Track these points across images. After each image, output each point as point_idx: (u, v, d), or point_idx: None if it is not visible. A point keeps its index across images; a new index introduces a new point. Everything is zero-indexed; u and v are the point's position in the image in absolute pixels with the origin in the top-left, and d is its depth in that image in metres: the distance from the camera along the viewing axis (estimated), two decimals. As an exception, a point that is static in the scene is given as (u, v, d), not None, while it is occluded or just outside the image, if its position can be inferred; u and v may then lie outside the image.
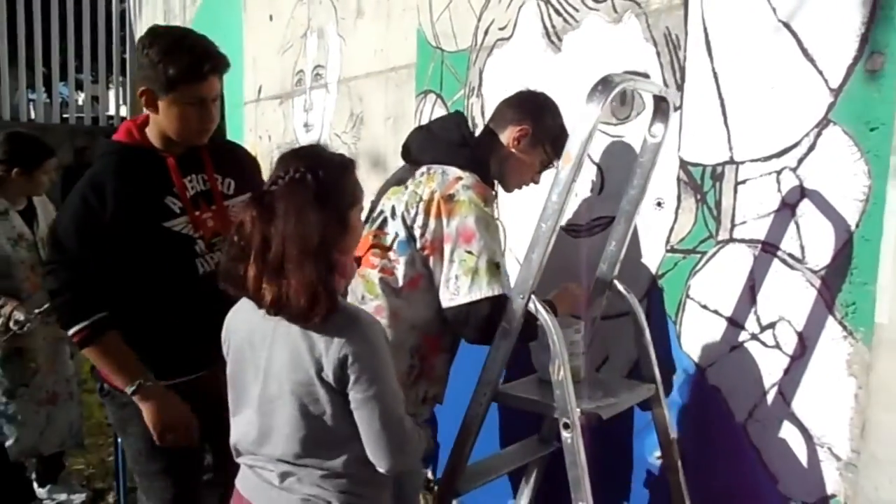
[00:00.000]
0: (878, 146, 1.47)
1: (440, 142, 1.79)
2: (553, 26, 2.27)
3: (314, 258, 1.21)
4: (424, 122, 2.97)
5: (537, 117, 1.82)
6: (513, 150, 1.82)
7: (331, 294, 1.23)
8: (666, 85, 1.87)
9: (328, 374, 1.23)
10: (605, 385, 1.63)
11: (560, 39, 2.25)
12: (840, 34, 1.52)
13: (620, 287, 1.64)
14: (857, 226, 1.51)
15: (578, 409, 1.35)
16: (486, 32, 2.59)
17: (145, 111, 1.79)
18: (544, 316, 1.37)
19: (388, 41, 3.24)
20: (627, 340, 1.86)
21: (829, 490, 1.60)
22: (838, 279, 1.55)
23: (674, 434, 1.62)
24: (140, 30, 10.27)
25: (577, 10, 2.18)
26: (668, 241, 1.90)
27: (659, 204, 1.91)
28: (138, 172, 1.75)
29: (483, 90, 2.63)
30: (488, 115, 2.56)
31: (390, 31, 3.21)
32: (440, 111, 2.87)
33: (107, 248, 1.69)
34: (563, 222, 2.18)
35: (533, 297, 1.38)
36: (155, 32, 1.73)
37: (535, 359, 1.86)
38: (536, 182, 1.90)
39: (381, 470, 1.29)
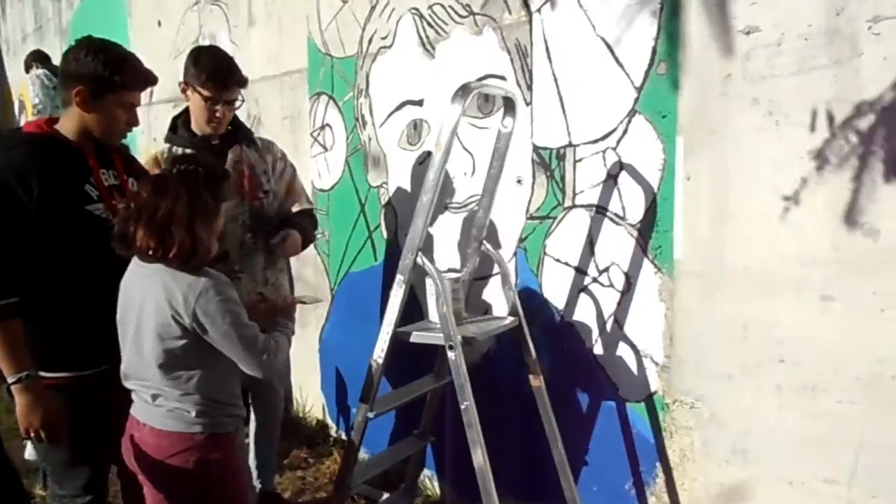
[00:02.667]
0: (668, 129, 1.99)
1: None
2: (427, 37, 2.69)
3: (194, 225, 1.65)
4: (319, 121, 3.33)
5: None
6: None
7: (201, 256, 1.67)
8: (519, 85, 2.34)
9: (184, 317, 1.63)
10: (480, 321, 2.06)
11: (433, 48, 2.67)
12: (639, 46, 2.03)
13: (488, 246, 2.07)
14: (658, 189, 2.03)
15: (459, 336, 1.78)
16: (370, 41, 2.98)
17: (66, 109, 1.96)
18: (430, 267, 1.78)
19: (280, 48, 3.55)
20: (500, 294, 2.31)
21: (652, 388, 2.12)
22: (649, 229, 2.06)
23: (534, 355, 2.07)
24: (5, 31, 9.83)
25: (446, 23, 2.61)
26: (527, 211, 2.38)
27: (519, 181, 2.38)
28: (57, 160, 1.91)
29: (370, 92, 3.01)
30: (377, 114, 2.97)
31: (282, 38, 3.53)
32: (333, 111, 3.23)
33: (29, 233, 1.80)
34: (447, 201, 2.63)
35: (419, 253, 1.78)
36: (97, 44, 1.91)
37: (425, 310, 2.28)
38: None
39: (259, 377, 1.74)
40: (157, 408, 1.71)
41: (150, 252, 1.64)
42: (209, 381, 1.72)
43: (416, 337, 1.87)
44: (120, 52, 1.94)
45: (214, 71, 2.33)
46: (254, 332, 1.71)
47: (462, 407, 1.73)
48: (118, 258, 1.75)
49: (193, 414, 1.70)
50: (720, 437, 2.00)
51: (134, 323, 1.71)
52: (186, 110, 2.48)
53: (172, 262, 1.65)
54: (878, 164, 1.66)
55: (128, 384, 1.78)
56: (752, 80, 1.82)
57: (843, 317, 1.73)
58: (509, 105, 1.99)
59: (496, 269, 2.41)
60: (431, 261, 1.82)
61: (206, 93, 2.33)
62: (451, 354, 1.74)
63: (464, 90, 1.72)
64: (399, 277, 1.79)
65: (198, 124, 2.43)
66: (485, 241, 2.08)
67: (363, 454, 2.83)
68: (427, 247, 2.70)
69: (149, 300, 1.67)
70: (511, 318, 2.05)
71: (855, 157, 1.68)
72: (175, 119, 2.51)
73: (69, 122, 1.96)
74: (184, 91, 2.42)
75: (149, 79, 1.99)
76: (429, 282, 1.79)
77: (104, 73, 1.87)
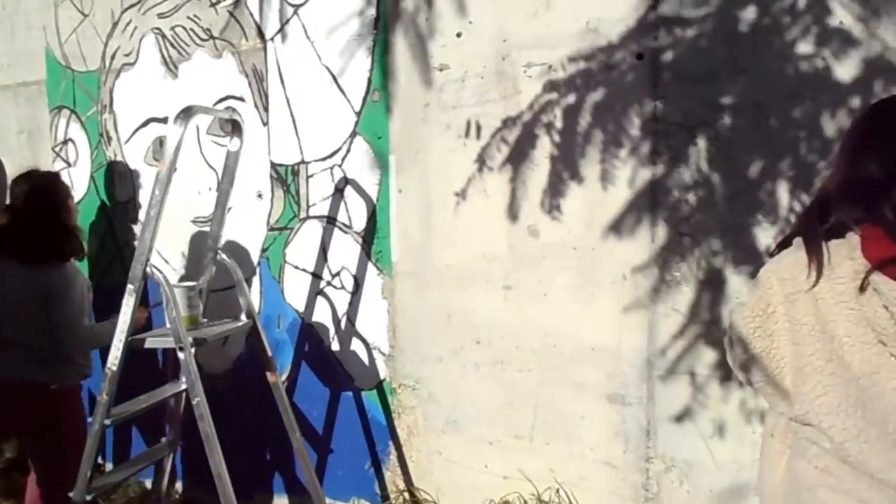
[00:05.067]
0: (383, 149, 2.30)
1: None
2: (170, 56, 2.77)
3: (58, 221, 2.27)
4: (61, 136, 3.22)
5: None
6: None
7: (61, 249, 2.22)
8: (256, 107, 2.52)
9: (38, 299, 2.15)
10: (216, 325, 2.19)
11: (176, 68, 2.76)
12: (357, 76, 2.32)
13: (224, 256, 2.23)
14: (377, 200, 2.33)
15: (190, 338, 1.91)
16: (112, 57, 2.97)
17: None
18: (158, 276, 1.89)
19: (14, 57, 3.37)
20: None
21: (382, 376, 2.41)
22: (371, 236, 2.35)
23: (270, 353, 2.25)
24: None
25: (188, 45, 2.71)
26: (268, 223, 2.57)
27: (259, 195, 2.56)
28: None
29: (115, 107, 3.00)
30: (122, 130, 2.97)
31: (16, 47, 3.35)
32: (76, 126, 3.15)
33: None
34: (193, 216, 2.72)
35: (149, 263, 1.89)
36: None
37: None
38: None
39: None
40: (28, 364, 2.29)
41: (23, 251, 2.24)
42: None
43: (150, 342, 1.97)
44: None
45: None
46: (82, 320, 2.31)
47: (194, 402, 1.86)
48: None
49: None
50: (437, 412, 2.33)
51: (8, 308, 2.27)
52: None
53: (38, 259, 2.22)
54: (544, 176, 2.09)
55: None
56: (445, 108, 2.19)
57: (519, 302, 2.14)
58: (236, 127, 2.16)
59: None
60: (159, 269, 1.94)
61: None
62: (181, 355, 1.87)
63: (185, 113, 1.86)
64: (129, 287, 1.87)
65: None
66: (220, 252, 2.22)
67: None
68: (176, 259, 2.77)
69: (14, 286, 2.24)
70: (246, 321, 2.22)
71: (521, 175, 2.11)
72: None
73: None
74: None
75: None
76: (161, 290, 1.90)
77: None
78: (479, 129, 2.13)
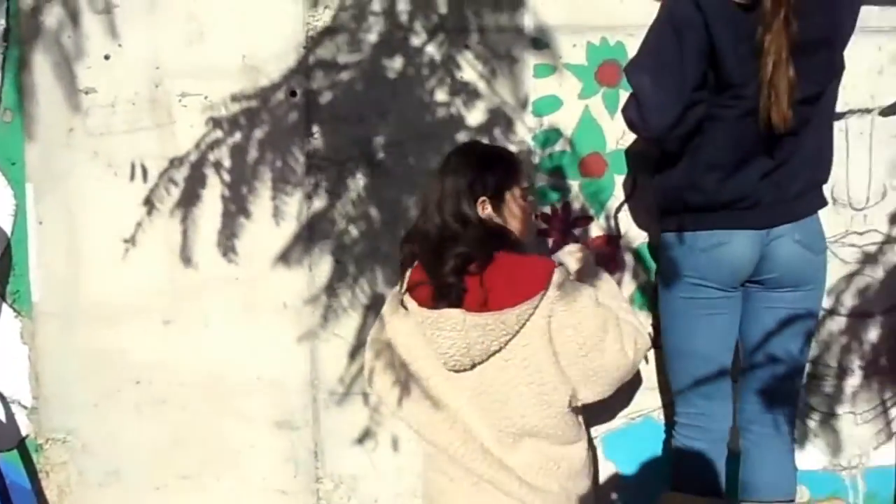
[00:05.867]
0: (18, 176, 2.05)
1: None
2: None
3: None
4: None
5: None
6: None
7: None
8: None
9: None
10: None
11: None
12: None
13: None
14: (12, 233, 2.07)
15: None
16: None
17: None
18: None
19: None
20: None
21: (23, 433, 2.12)
22: (5, 275, 2.08)
23: None
24: None
25: None
26: None
27: None
28: None
29: None
30: None
31: None
32: None
33: None
34: None
35: None
36: None
37: None
38: None
39: None
40: None
41: None
42: None
43: None
44: None
45: None
46: None
47: None
48: None
49: None
50: (94, 465, 2.12)
51: None
52: None
53: None
54: (198, 209, 2.05)
55: None
56: (93, 134, 2.04)
57: (180, 337, 2.07)
58: None
59: None
60: None
61: None
62: None
63: None
64: None
65: None
66: None
67: None
68: None
69: None
70: None
71: (179, 204, 2.05)
72: None
73: None
74: None
75: None
76: None
77: None
78: (130, 157, 2.02)
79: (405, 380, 1.61)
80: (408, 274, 1.64)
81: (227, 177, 2.03)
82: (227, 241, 2.03)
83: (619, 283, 2.03)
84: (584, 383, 1.55)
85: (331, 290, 2.06)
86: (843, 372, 2.17)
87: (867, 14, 2.07)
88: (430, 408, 1.57)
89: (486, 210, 1.59)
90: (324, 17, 2.02)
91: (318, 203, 2.05)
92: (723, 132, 1.58)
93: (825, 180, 1.76)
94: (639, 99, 1.59)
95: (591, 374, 1.54)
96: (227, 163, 2.02)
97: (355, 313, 2.06)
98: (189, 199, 2.03)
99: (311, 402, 2.08)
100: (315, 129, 2.04)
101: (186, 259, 2.05)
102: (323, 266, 2.06)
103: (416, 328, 1.58)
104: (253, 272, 2.05)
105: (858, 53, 2.06)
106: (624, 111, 1.67)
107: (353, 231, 2.06)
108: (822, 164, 1.72)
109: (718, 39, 1.48)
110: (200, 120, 2.02)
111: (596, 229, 2.09)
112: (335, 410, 2.09)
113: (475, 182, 1.59)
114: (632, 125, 1.66)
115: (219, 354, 2.07)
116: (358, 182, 2.05)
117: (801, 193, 1.66)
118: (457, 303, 1.51)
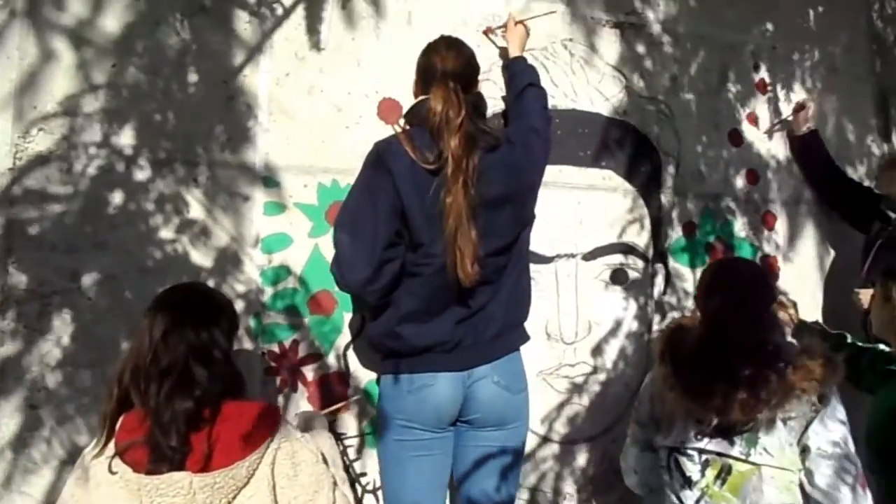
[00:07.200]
0: None
1: None
2: None
3: None
4: None
5: None
6: None
7: None
8: None
9: None
10: None
11: None
12: None
13: None
14: None
15: None
16: None
17: None
18: None
19: None
20: None
21: None
22: None
23: None
24: None
25: None
26: None
27: None
28: None
29: None
30: None
31: None
32: None
33: None
34: None
35: None
36: None
37: None
38: None
39: None
40: None
41: None
42: None
43: None
44: None
45: None
46: None
47: None
48: None
49: None
50: None
51: None
52: None
53: None
54: None
55: None
56: None
57: None
58: None
59: None
60: None
61: None
62: None
63: None
64: None
65: None
66: None
67: None
68: None
69: None
70: None
71: None
72: None
73: None
74: None
75: None
76: None
77: None
78: None
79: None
80: (117, 428, 1.43)
81: None
82: None
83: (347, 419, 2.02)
84: None
85: (20, 442, 1.82)
86: (557, 497, 2.30)
87: (569, 173, 2.41)
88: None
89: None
90: (37, 142, 1.89)
91: (13, 343, 1.84)
92: (420, 286, 1.68)
93: (524, 319, 1.92)
94: (338, 255, 1.65)
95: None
96: None
97: (48, 470, 1.82)
98: None
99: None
100: (16, 259, 1.85)
101: None
102: (12, 415, 1.82)
103: (130, 498, 1.38)
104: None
105: (562, 206, 2.37)
106: (331, 265, 1.73)
107: (55, 374, 1.87)
108: (520, 305, 1.88)
109: (407, 201, 1.59)
110: None
111: (324, 367, 2.08)
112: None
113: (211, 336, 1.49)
114: (335, 279, 1.71)
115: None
116: (62, 316, 1.88)
117: (499, 334, 1.79)
118: (180, 464, 1.37)
